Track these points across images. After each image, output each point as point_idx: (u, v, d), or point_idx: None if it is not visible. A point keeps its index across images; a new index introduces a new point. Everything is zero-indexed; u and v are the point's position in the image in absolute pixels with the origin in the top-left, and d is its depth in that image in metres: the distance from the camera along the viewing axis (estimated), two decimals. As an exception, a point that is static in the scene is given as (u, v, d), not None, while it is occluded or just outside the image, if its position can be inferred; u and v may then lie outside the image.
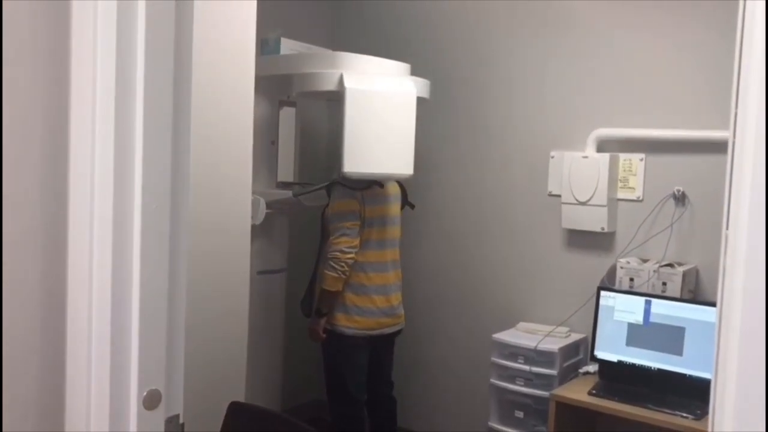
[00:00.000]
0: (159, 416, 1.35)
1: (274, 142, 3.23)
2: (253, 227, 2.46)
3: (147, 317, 1.33)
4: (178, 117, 1.37)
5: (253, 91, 2.36)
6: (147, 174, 1.31)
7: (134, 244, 1.31)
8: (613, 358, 2.92)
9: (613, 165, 3.08)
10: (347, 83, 2.82)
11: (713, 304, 2.72)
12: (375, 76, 2.90)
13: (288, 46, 3.18)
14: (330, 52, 3.27)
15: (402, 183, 3.22)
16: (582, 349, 3.17)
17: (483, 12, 3.51)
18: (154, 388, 1.34)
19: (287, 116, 3.45)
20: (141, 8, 1.28)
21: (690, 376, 2.74)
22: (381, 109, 2.84)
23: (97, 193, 1.29)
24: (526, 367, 3.04)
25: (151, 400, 1.33)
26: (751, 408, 0.93)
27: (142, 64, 1.29)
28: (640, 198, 3.08)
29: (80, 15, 1.29)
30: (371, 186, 2.98)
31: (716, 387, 1.01)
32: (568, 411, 2.80)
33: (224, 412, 1.99)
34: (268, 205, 3.17)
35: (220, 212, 2.28)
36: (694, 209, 2.96)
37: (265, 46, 3.13)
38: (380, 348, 3.15)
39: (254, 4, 2.31)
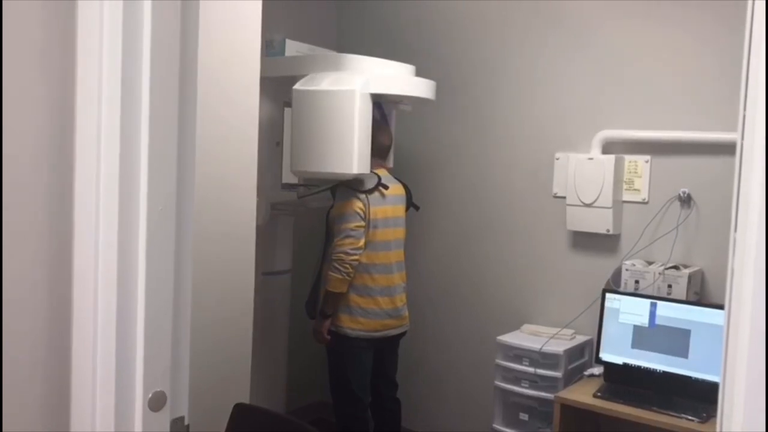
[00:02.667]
0: (164, 418, 1.35)
1: (279, 144, 3.23)
2: (258, 228, 2.46)
3: (152, 319, 1.33)
4: (184, 118, 1.37)
5: (259, 93, 2.36)
6: (152, 176, 1.31)
7: (140, 245, 1.31)
8: (618, 360, 2.91)
9: (618, 167, 3.07)
10: (297, 85, 2.87)
11: (719, 307, 2.73)
12: (330, 76, 2.86)
13: (293, 47, 3.18)
14: (334, 53, 3.28)
15: (407, 184, 3.22)
16: (587, 352, 3.16)
17: (488, 13, 3.50)
18: (159, 389, 1.34)
19: (292, 118, 3.45)
20: (147, 9, 1.28)
21: (695, 379, 2.73)
22: (323, 108, 2.82)
23: (102, 195, 1.29)
24: (531, 369, 3.04)
25: (156, 402, 1.33)
26: (760, 410, 0.93)
27: (147, 65, 1.29)
28: (646, 200, 3.08)
29: (86, 16, 1.29)
30: (376, 187, 2.98)
31: (725, 389, 1.00)
32: (573, 413, 2.79)
33: (229, 413, 1.99)
34: (273, 207, 3.17)
35: (225, 213, 2.28)
36: (700, 211, 2.95)
37: (270, 48, 3.13)
38: (384, 349, 3.15)
39: (259, 5, 2.30)
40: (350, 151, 2.78)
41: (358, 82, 2.80)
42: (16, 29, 1.27)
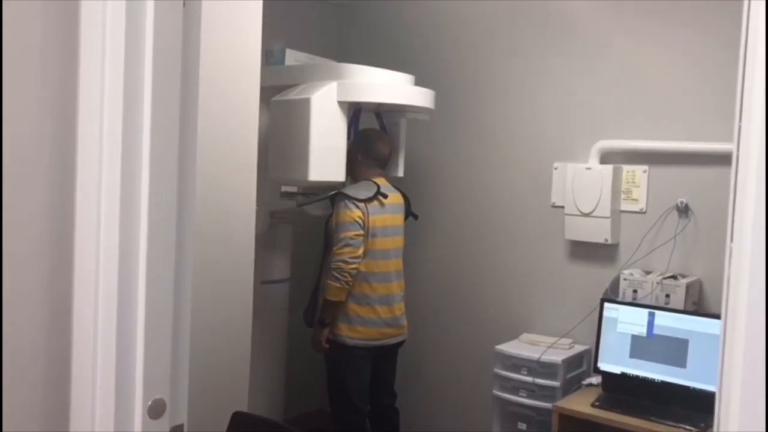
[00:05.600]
0: (164, 425, 1.36)
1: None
2: (257, 237, 2.47)
3: (152, 327, 1.33)
4: (185, 125, 1.39)
5: (258, 102, 2.37)
6: (153, 184, 1.32)
7: (140, 253, 1.32)
8: (616, 369, 2.91)
9: (616, 177, 3.08)
10: (276, 96, 2.96)
11: (717, 317, 2.72)
12: (305, 86, 2.92)
13: (292, 56, 3.20)
14: (333, 63, 3.29)
15: (405, 194, 3.23)
16: (585, 361, 3.16)
17: (487, 23, 3.53)
18: (159, 397, 1.34)
19: (291, 126, 3.46)
20: (149, 17, 1.29)
21: (693, 389, 2.73)
22: (288, 117, 2.90)
23: (103, 203, 1.30)
24: (529, 379, 3.04)
25: (156, 410, 1.34)
26: (755, 419, 0.94)
27: (150, 73, 1.30)
28: (644, 210, 3.09)
29: (89, 17, 1.30)
30: (375, 196, 2.99)
31: (721, 398, 1.01)
32: (572, 423, 2.79)
33: (227, 421, 1.99)
34: (272, 215, 3.18)
35: (225, 222, 2.28)
36: (698, 221, 2.96)
37: (270, 57, 3.15)
38: (383, 358, 3.15)
39: (260, 14, 2.32)
40: (306, 158, 2.82)
41: (319, 91, 2.85)
42: (19, 30, 1.28)
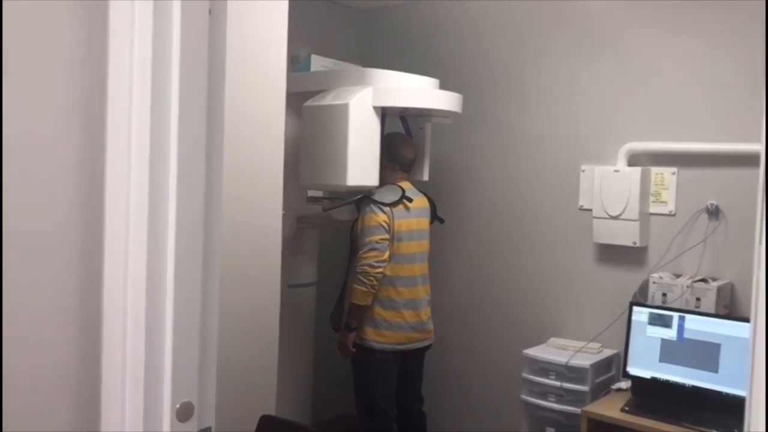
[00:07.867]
0: (192, 428, 1.37)
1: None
2: (284, 241, 2.48)
3: (180, 330, 1.35)
4: (212, 132, 1.40)
5: (285, 108, 2.39)
6: (181, 189, 1.34)
7: (168, 258, 1.33)
8: (646, 374, 2.87)
9: (644, 179, 3.05)
10: (308, 101, 2.97)
11: (749, 320, 2.68)
12: (338, 91, 2.93)
13: (318, 62, 3.21)
14: (359, 68, 3.30)
15: (431, 197, 3.22)
16: (614, 365, 3.12)
17: (514, 27, 3.51)
18: (187, 400, 1.36)
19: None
20: (176, 27, 1.31)
21: (726, 394, 2.69)
22: (324, 123, 2.90)
23: (132, 209, 1.32)
24: (557, 383, 3.01)
25: (184, 413, 1.35)
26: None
27: (177, 79, 1.32)
28: (673, 212, 3.05)
29: (117, 24, 1.32)
30: (400, 200, 3.00)
31: (751, 403, 0.99)
32: (601, 428, 2.76)
33: (255, 424, 2.01)
34: (299, 220, 3.20)
35: (252, 226, 2.30)
36: (728, 223, 2.92)
37: (296, 63, 3.17)
38: (410, 362, 3.15)
39: (285, 21, 2.34)
40: (344, 163, 2.83)
41: (356, 96, 2.86)
42: (47, 34, 1.29)
